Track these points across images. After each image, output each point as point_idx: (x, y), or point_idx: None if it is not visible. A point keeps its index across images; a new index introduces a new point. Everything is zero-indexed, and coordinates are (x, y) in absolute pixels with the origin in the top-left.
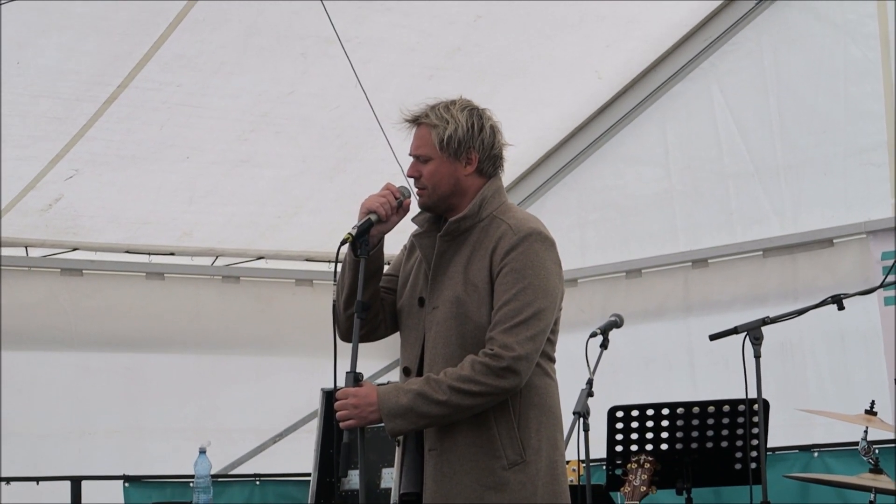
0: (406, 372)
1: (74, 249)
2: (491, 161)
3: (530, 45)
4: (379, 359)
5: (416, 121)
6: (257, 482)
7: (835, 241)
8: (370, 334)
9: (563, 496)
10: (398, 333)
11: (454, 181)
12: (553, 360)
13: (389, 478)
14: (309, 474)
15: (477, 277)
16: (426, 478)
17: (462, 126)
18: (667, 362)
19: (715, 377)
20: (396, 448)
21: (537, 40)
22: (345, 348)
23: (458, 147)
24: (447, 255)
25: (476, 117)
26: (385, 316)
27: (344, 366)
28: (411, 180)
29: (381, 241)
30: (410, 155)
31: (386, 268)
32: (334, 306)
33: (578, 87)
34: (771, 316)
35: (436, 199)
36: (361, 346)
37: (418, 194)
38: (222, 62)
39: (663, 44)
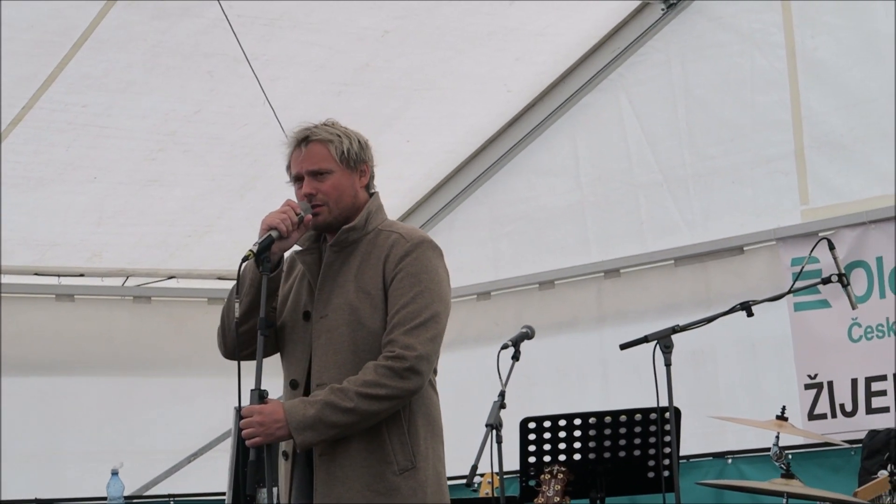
0: (293, 385)
1: None
2: (372, 177)
3: (440, 60)
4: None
5: (305, 140)
6: (171, 502)
7: (745, 248)
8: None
9: None
10: None
11: (354, 193)
12: (436, 373)
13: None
14: (223, 493)
15: (369, 285)
16: (316, 482)
17: (354, 140)
18: (581, 373)
19: (628, 387)
20: (283, 462)
21: (447, 54)
22: (250, 367)
23: (356, 160)
24: (335, 266)
25: (358, 135)
26: (272, 334)
27: (249, 384)
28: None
29: (281, 258)
30: (304, 172)
31: None
32: (223, 322)
33: (489, 100)
34: (681, 324)
35: (336, 214)
36: (265, 363)
37: (316, 212)
38: (129, 82)
39: (572, 56)
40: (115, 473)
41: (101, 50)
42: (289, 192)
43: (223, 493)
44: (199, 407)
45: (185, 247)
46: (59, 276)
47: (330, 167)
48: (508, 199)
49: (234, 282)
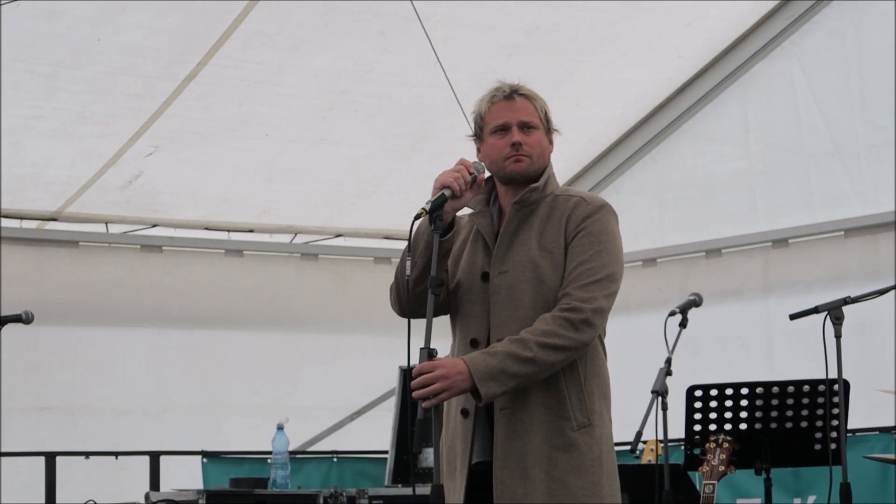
0: (473, 344)
1: (154, 226)
2: None
3: (609, 23)
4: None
5: (516, 92)
6: (335, 459)
7: None
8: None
9: (615, 466)
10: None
11: (547, 155)
12: (604, 334)
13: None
14: (386, 452)
15: (552, 244)
16: (497, 436)
17: (548, 107)
18: (745, 342)
19: (792, 358)
20: (462, 420)
21: (616, 18)
22: (418, 326)
23: (550, 125)
24: (514, 224)
25: None
26: (444, 294)
27: (418, 342)
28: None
29: (454, 218)
30: (515, 123)
31: None
32: (397, 280)
33: (658, 65)
34: (852, 296)
35: (536, 168)
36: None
37: (518, 159)
38: (301, 40)
39: (744, 22)
40: (280, 428)
41: (273, 8)
42: (456, 153)
43: (386, 452)
44: (362, 365)
45: (353, 205)
46: (228, 231)
47: (537, 123)
48: (675, 165)
49: (405, 241)
